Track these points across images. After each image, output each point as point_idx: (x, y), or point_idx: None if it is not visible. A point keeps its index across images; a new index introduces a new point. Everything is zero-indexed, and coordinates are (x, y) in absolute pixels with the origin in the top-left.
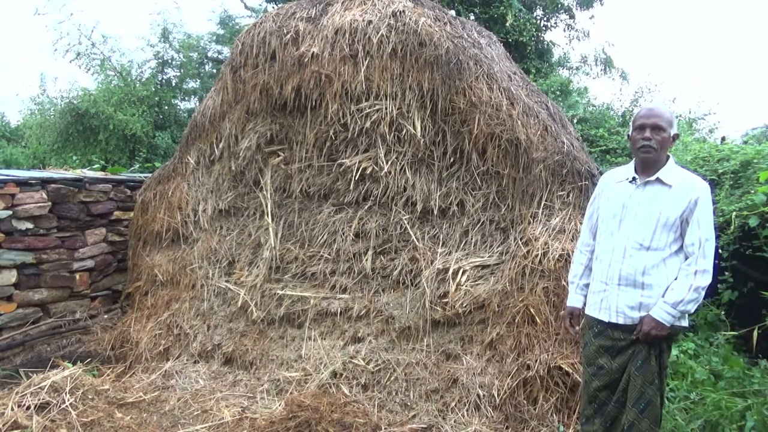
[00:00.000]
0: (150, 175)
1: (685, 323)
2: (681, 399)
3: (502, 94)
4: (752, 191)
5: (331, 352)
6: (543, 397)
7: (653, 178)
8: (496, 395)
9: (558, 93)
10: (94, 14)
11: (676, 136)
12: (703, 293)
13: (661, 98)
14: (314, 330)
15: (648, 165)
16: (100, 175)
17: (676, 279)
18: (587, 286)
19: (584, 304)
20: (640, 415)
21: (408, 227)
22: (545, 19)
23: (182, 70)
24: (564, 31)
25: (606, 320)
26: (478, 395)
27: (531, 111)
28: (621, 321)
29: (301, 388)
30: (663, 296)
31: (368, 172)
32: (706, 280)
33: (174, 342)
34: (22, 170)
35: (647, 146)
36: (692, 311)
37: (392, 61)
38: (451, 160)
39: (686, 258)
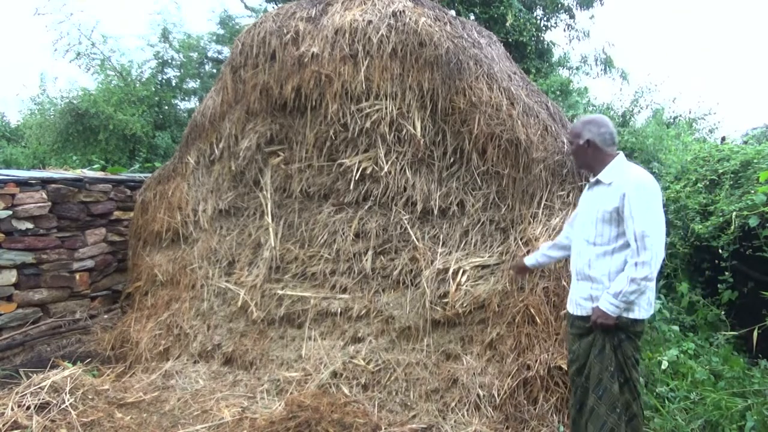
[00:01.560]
0: (150, 175)
1: (635, 315)
2: (681, 399)
3: (502, 94)
4: (752, 191)
5: (331, 352)
6: (543, 397)
7: (594, 180)
8: (496, 395)
9: (558, 93)
10: (94, 14)
11: (587, 142)
12: (645, 284)
13: (661, 98)
14: (314, 330)
15: (589, 170)
16: (100, 175)
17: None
18: (544, 255)
19: (533, 266)
20: (599, 401)
21: (408, 227)
22: (545, 19)
23: (182, 70)
24: (564, 31)
25: (572, 312)
26: (478, 395)
27: (531, 111)
28: (579, 312)
29: (301, 388)
30: (609, 287)
31: (368, 172)
32: (645, 271)
33: (174, 342)
34: (22, 170)
35: (572, 159)
36: (635, 301)
37: (392, 61)
38: (451, 160)
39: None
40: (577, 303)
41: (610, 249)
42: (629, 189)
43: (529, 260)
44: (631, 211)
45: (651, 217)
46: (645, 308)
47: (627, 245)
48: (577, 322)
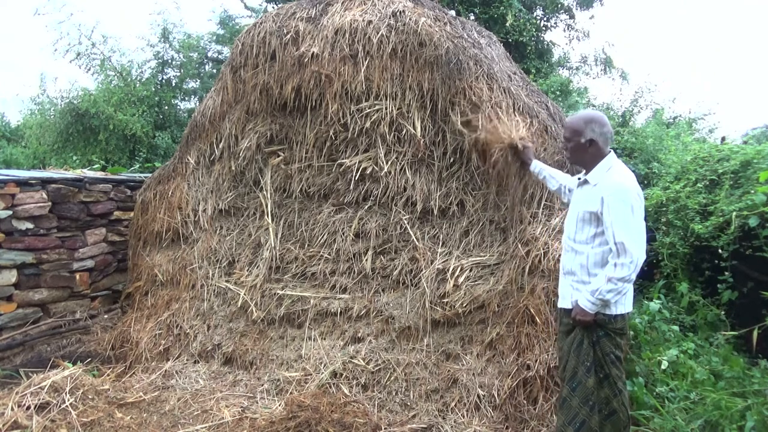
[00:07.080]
0: (150, 175)
1: (612, 311)
2: (681, 399)
3: (502, 94)
4: (752, 191)
5: (331, 352)
6: (543, 397)
7: (583, 179)
8: (496, 395)
9: (558, 93)
10: (94, 14)
11: (590, 141)
12: (623, 284)
13: (661, 98)
14: (314, 330)
15: (583, 167)
16: (100, 175)
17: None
18: (543, 173)
19: (530, 161)
20: (572, 393)
21: (408, 227)
22: (545, 19)
23: (182, 70)
24: (564, 31)
25: (559, 306)
26: (478, 395)
27: (531, 111)
28: (565, 305)
29: (301, 388)
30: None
31: (368, 172)
32: (624, 272)
33: (174, 342)
34: (22, 170)
35: (566, 154)
36: (612, 300)
37: (392, 61)
38: (451, 160)
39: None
40: (564, 296)
41: (589, 247)
42: (607, 195)
43: (534, 166)
44: (611, 221)
45: (628, 225)
46: (622, 304)
47: (604, 243)
48: (564, 318)
